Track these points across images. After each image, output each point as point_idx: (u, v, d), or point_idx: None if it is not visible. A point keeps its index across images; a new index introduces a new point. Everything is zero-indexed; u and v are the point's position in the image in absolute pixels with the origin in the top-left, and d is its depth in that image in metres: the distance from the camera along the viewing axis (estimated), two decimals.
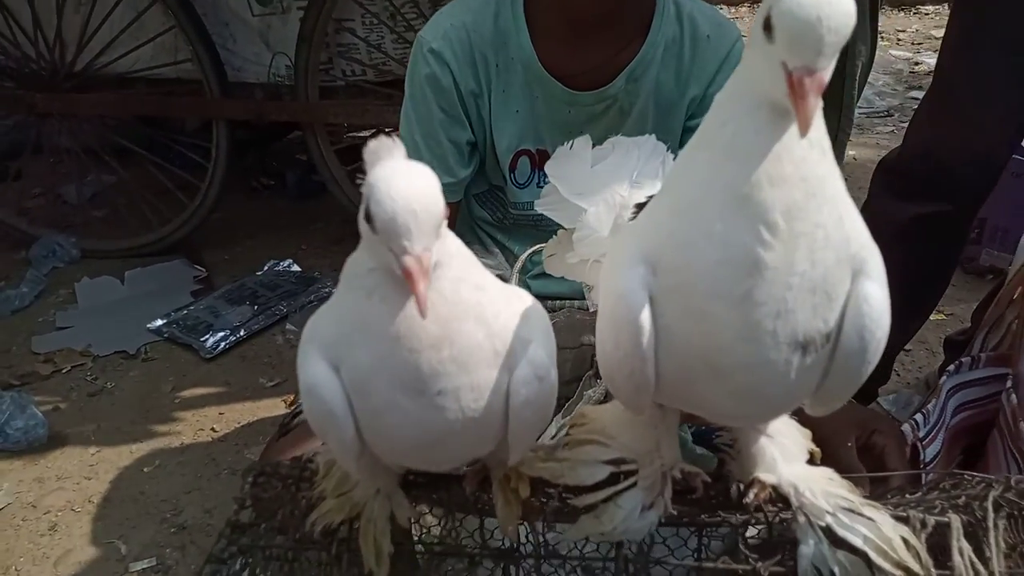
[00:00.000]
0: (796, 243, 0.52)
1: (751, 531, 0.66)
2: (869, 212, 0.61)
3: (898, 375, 1.98)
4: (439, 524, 0.72)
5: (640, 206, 0.70)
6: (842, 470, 0.69)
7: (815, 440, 0.71)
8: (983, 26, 1.35)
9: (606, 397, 0.76)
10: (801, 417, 0.70)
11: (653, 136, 0.82)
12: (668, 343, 0.57)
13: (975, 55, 1.36)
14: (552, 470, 0.66)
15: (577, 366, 1.09)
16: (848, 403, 1.26)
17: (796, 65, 0.46)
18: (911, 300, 1.54)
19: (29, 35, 2.40)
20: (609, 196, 0.75)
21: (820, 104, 0.47)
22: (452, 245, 0.56)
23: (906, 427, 1.24)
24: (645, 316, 0.56)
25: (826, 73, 0.46)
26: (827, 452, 0.71)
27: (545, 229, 1.00)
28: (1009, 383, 1.18)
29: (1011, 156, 1.43)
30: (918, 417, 1.27)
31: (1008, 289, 1.34)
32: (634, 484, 0.65)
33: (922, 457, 1.22)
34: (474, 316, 0.56)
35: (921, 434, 1.24)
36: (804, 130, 0.47)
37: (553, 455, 0.67)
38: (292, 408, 0.81)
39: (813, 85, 0.46)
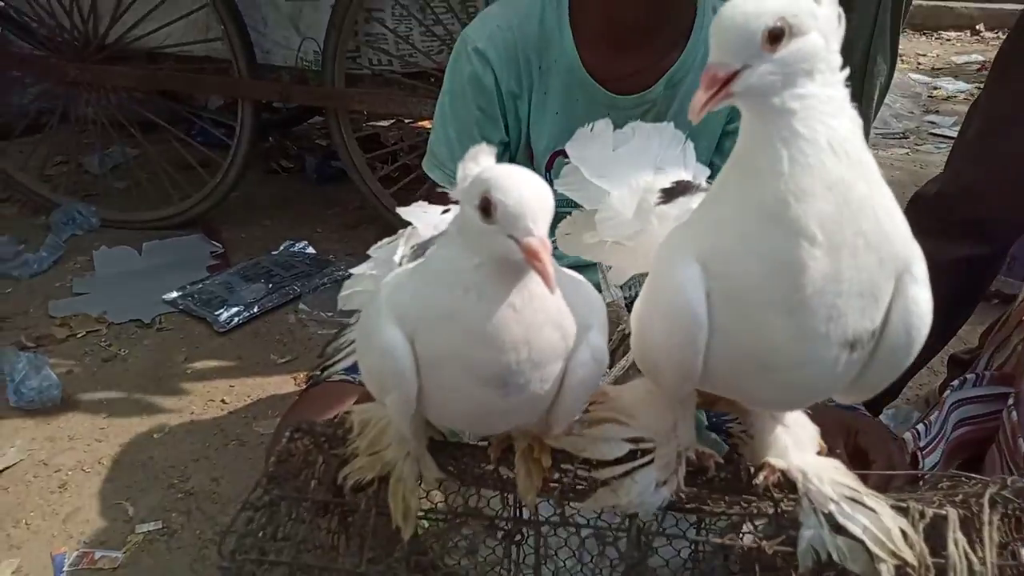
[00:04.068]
0: (839, 253, 0.54)
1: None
2: None
3: None
4: (446, 500, 0.75)
5: (666, 191, 0.73)
6: None
7: None
8: None
9: (624, 375, 0.79)
10: None
11: (672, 124, 0.84)
12: (718, 340, 0.59)
13: None
14: (575, 443, 0.69)
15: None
16: (831, 408, 1.28)
17: None
18: (937, 331, 1.54)
19: (65, 5, 2.44)
20: (633, 180, 0.77)
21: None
22: None
23: (908, 436, 1.27)
24: (703, 312, 0.57)
25: None
26: None
27: None
28: (1011, 401, 1.21)
29: None
30: (920, 427, 1.31)
31: (1017, 311, 1.37)
32: (651, 461, 0.68)
33: (921, 466, 1.25)
34: (552, 322, 0.59)
35: (922, 443, 1.28)
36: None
37: (575, 431, 0.70)
38: (321, 362, 0.84)
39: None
